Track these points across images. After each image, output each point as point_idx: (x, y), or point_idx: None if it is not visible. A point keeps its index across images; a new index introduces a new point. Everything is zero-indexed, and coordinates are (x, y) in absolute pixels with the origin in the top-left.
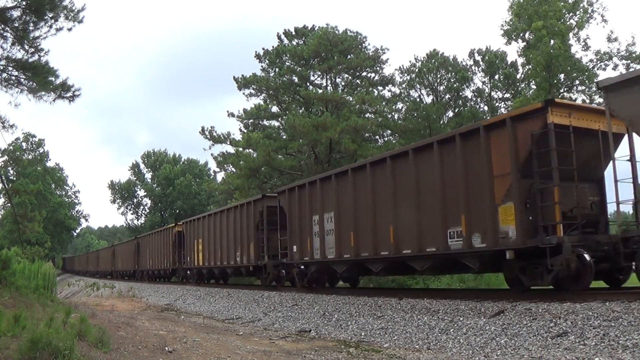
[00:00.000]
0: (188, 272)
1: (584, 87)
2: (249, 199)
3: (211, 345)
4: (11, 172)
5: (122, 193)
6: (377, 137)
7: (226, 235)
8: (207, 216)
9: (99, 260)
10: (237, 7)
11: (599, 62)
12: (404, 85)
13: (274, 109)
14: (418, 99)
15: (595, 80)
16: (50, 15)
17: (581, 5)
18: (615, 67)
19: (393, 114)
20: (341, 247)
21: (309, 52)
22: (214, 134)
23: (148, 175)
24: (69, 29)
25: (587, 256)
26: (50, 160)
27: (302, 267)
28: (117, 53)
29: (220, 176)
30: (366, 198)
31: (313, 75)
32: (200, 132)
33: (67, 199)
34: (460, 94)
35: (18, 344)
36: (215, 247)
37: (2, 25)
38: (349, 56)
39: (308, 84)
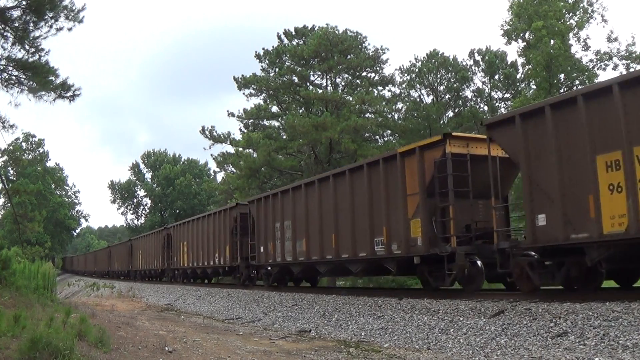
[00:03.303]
0: (176, 271)
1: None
2: (225, 207)
3: (211, 345)
4: (11, 172)
5: (122, 193)
6: (377, 137)
7: (206, 239)
8: (191, 221)
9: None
10: (237, 5)
11: (599, 62)
12: (404, 85)
13: (274, 109)
14: (418, 99)
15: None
16: (51, 15)
17: (581, 5)
18: (615, 67)
19: (393, 114)
20: (296, 251)
21: (309, 52)
22: (214, 133)
23: (148, 175)
24: (69, 29)
25: (479, 262)
26: (50, 160)
27: (269, 267)
28: (117, 52)
29: (220, 176)
30: (314, 209)
31: (313, 75)
32: (200, 132)
33: (67, 199)
34: (460, 94)
35: (18, 344)
36: (198, 249)
37: (3, 25)
38: (349, 56)
39: (308, 84)
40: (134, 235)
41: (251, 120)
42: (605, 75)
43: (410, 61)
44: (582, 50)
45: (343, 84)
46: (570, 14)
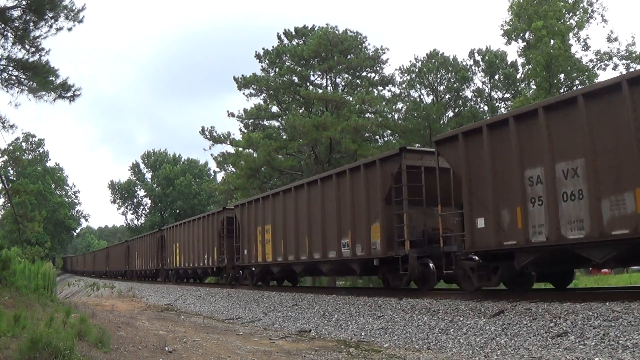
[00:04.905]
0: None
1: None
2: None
3: (211, 345)
4: (11, 172)
5: (122, 193)
6: (377, 137)
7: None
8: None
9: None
10: (237, 5)
11: (599, 62)
12: (404, 85)
13: (274, 109)
14: (418, 99)
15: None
16: (51, 15)
17: (581, 5)
18: (615, 67)
19: (393, 114)
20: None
21: (309, 52)
22: (214, 134)
23: (148, 175)
24: (69, 29)
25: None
26: (50, 160)
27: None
28: (117, 52)
29: (220, 176)
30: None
31: (313, 75)
32: (200, 132)
33: (67, 199)
34: (460, 94)
35: (18, 344)
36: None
37: (3, 25)
38: (349, 56)
39: (308, 84)
40: (134, 235)
41: (251, 120)
42: (605, 75)
43: (410, 61)
44: (582, 50)
45: (343, 84)
46: (570, 14)
